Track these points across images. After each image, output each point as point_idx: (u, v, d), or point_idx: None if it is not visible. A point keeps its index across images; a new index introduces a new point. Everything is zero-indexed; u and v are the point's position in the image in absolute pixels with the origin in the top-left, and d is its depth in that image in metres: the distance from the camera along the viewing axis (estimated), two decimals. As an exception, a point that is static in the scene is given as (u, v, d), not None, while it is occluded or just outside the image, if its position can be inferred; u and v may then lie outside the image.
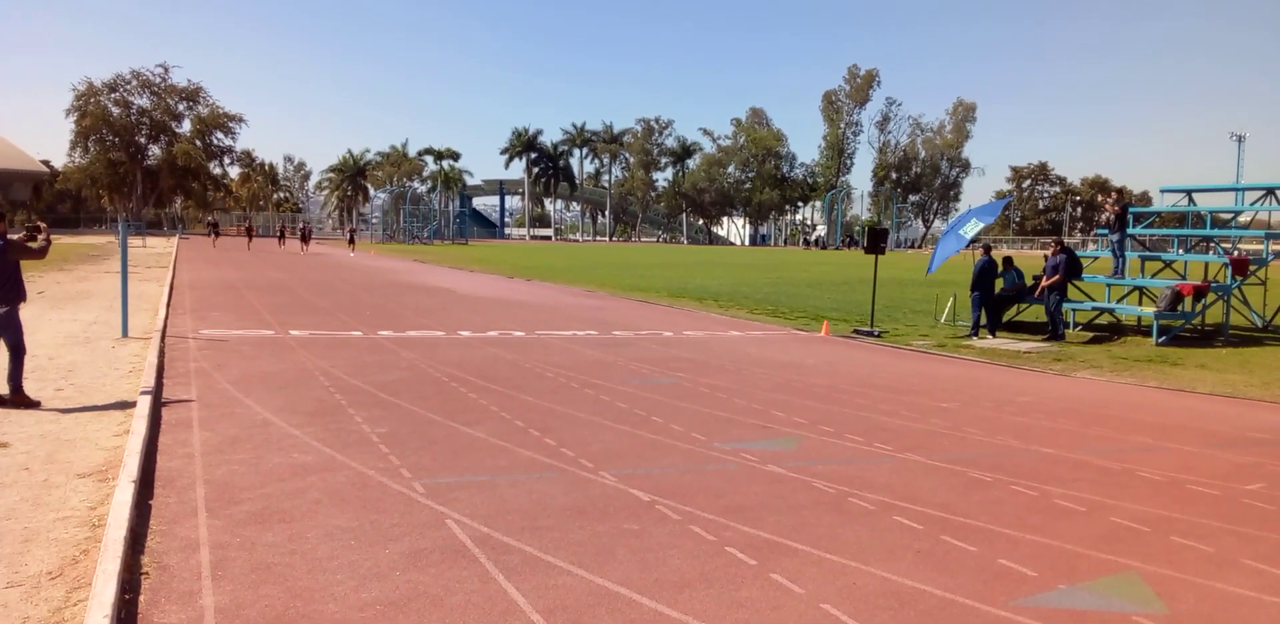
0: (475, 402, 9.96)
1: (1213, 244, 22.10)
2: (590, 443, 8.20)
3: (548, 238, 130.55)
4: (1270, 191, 20.07)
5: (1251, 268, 18.73)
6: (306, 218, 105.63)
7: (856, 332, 18.42)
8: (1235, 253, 20.59)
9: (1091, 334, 19.27)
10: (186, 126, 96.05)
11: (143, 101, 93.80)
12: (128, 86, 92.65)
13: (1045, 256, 19.24)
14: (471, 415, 9.21)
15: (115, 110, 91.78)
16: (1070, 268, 18.53)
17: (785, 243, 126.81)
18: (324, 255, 51.18)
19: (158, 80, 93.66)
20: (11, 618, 4.37)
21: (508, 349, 14.37)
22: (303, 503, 6.21)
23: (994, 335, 18.27)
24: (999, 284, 18.95)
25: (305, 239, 57.32)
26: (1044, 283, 18.39)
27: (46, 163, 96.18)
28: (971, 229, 19.80)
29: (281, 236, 62.88)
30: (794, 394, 11.12)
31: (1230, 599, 5.00)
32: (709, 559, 5.37)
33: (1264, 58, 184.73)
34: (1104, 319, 20.71)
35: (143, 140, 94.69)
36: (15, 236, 9.60)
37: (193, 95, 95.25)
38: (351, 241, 60.37)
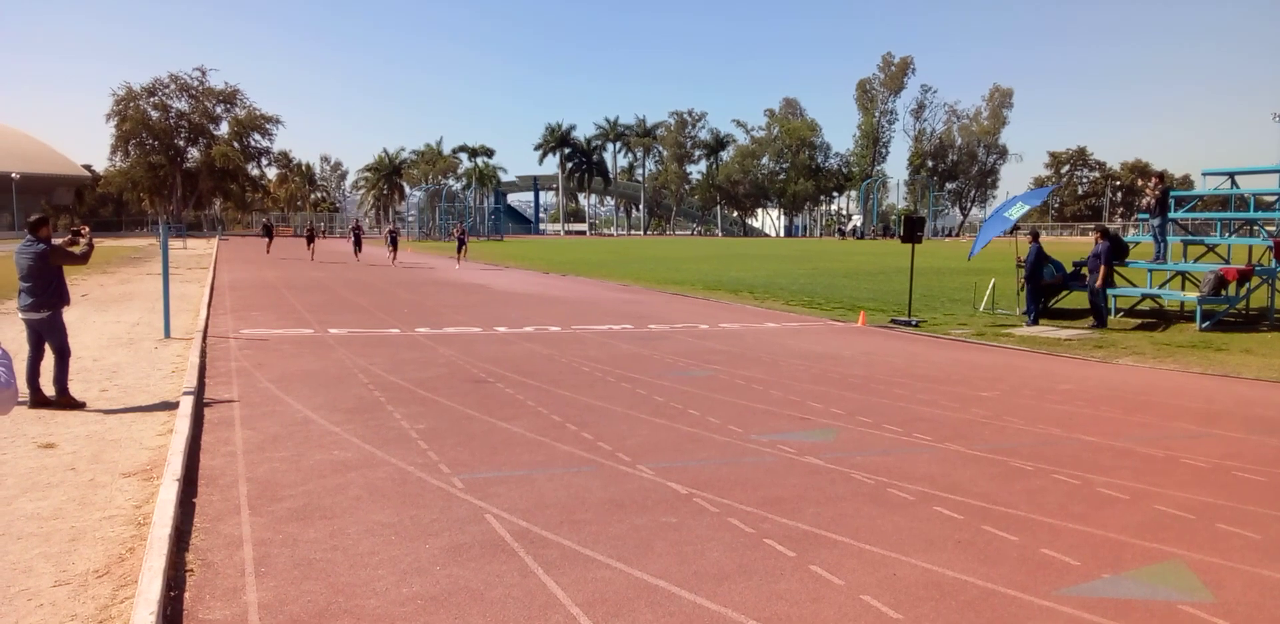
0: (512, 397, 10.00)
1: (1256, 227, 21.69)
2: (627, 437, 8.21)
3: (582, 233, 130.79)
4: (1315, 172, 19.69)
5: (1297, 251, 18.36)
6: (352, 215, 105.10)
7: (894, 321, 18.29)
8: (1279, 236, 20.21)
9: (1134, 320, 19.03)
10: (224, 129, 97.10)
11: (181, 105, 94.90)
12: (166, 90, 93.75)
13: (1097, 241, 18.91)
14: (509, 411, 9.24)
15: (154, 114, 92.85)
16: (1116, 252, 18.30)
17: (821, 233, 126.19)
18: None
19: (195, 83, 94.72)
20: (60, 615, 4.44)
21: (544, 344, 14.41)
22: (343, 499, 6.26)
23: (1035, 323, 18.08)
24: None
25: (394, 245, 42.45)
26: (1099, 277, 17.96)
27: (88, 167, 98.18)
28: (1017, 212, 19.68)
29: (358, 243, 44.73)
30: (831, 385, 11.07)
31: (1278, 586, 4.92)
32: (748, 551, 5.36)
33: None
34: (1146, 305, 20.42)
35: (182, 143, 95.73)
36: (59, 241, 9.75)
37: (230, 98, 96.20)
38: (461, 246, 41.48)
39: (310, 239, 46.18)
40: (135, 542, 5.41)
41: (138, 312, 18.38)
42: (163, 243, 16.21)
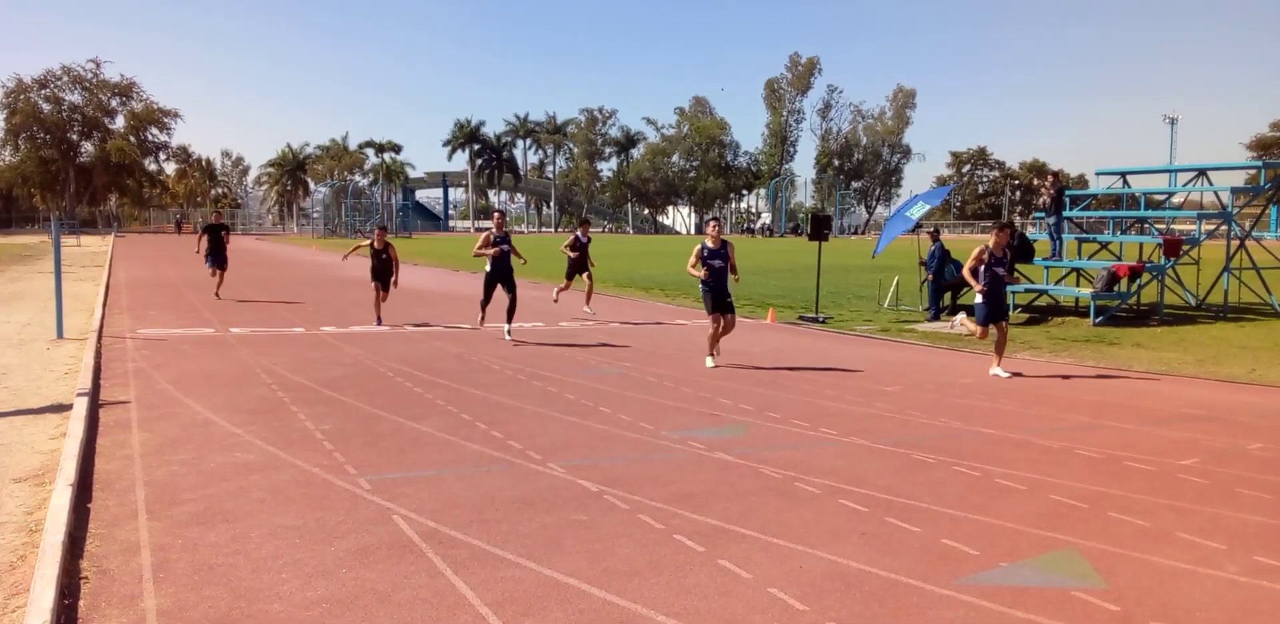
0: (421, 396, 9.89)
1: (1147, 225, 22.53)
2: (538, 435, 8.19)
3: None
4: (1201, 172, 20.53)
5: (1184, 248, 19.13)
6: (254, 212, 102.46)
7: (802, 318, 18.56)
8: (1169, 233, 21.03)
9: (1030, 316, 19.60)
10: (120, 123, 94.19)
11: (74, 98, 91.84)
12: (58, 82, 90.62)
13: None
14: (417, 410, 9.14)
15: (46, 107, 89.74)
16: (1022, 253, 18.85)
17: (731, 231, 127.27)
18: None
19: (89, 76, 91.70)
20: (-55, 627, 4.27)
21: (454, 342, 14.29)
22: (246, 502, 6.13)
23: (937, 319, 18.52)
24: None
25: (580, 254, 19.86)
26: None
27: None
28: (918, 211, 20.11)
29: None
30: (740, 381, 11.18)
31: (1166, 572, 5.12)
32: (658, 547, 5.39)
33: (1194, 41, 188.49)
34: (1042, 300, 21.06)
35: (75, 137, 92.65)
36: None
37: (126, 91, 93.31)
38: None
39: (381, 270, 17.20)
40: (27, 549, 5.23)
41: (28, 311, 17.71)
42: (55, 240, 15.67)
